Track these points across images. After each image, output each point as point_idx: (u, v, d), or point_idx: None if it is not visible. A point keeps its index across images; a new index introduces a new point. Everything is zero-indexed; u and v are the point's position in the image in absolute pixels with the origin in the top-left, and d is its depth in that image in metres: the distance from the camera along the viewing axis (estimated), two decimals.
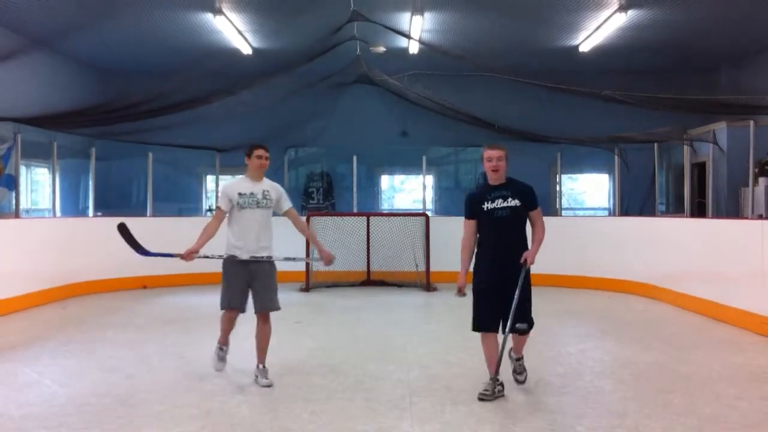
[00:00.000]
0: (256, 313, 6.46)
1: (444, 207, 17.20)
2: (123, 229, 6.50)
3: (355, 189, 15.33)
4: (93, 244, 12.52)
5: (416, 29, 12.86)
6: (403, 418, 5.34)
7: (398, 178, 18.74)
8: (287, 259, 6.89)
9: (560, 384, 6.35)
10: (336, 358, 7.30)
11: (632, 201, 14.92)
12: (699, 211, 14.04)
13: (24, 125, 12.00)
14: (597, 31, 12.98)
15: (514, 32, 13.55)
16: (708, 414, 5.47)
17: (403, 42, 13.82)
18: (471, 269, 6.05)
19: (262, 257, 6.37)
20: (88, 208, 14.95)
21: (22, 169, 12.84)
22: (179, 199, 16.75)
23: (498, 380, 5.85)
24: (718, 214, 13.03)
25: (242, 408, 5.64)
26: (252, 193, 6.44)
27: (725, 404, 5.74)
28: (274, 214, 6.64)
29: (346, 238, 13.21)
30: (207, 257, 6.45)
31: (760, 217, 11.74)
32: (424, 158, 15.31)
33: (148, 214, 14.30)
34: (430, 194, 16.78)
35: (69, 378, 6.76)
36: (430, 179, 16.86)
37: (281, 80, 14.22)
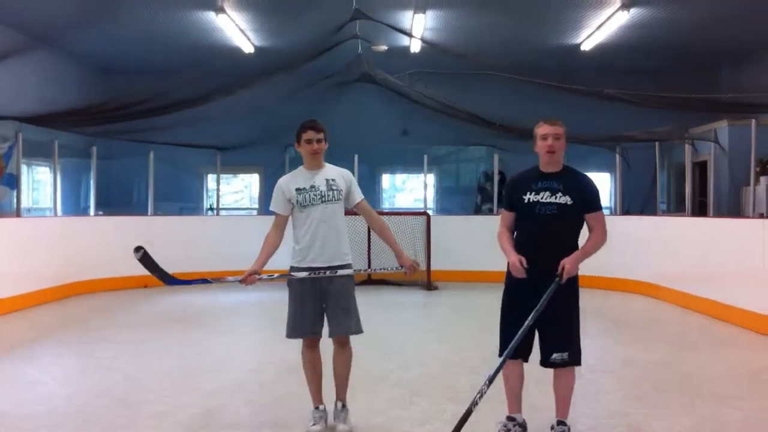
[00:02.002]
0: (330, 336, 5.15)
1: (445, 206, 17.21)
2: (143, 255, 4.95)
3: None
4: (94, 243, 12.53)
5: (418, 27, 12.85)
6: (403, 418, 5.34)
7: (399, 177, 18.75)
8: (362, 271, 5.52)
9: None
10: None
11: (634, 200, 14.91)
12: (700, 210, 14.04)
13: (25, 124, 12.00)
14: (599, 29, 12.97)
15: (516, 30, 13.53)
16: (708, 413, 5.47)
17: (405, 40, 13.82)
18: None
19: (335, 267, 5.06)
20: (89, 207, 14.94)
21: (24, 168, 12.82)
22: (180, 199, 16.76)
23: (516, 420, 4.83)
24: (720, 213, 13.02)
25: (243, 407, 5.64)
26: (313, 186, 5.09)
27: (725, 404, 5.73)
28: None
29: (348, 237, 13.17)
30: (272, 278, 5.34)
31: (761, 216, 11.74)
32: (425, 157, 15.29)
33: (149, 213, 14.30)
34: (431, 193, 16.78)
35: (69, 378, 6.78)
36: (431, 178, 16.86)
37: (283, 79, 14.23)
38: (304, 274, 5.01)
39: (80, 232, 12.56)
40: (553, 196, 4.60)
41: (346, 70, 14.71)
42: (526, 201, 4.65)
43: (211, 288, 12.47)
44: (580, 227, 4.74)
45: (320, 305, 5.07)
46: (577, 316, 4.74)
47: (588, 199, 4.67)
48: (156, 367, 7.13)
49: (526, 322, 4.48)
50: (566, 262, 4.52)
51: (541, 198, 4.61)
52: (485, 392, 4.51)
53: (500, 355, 4.73)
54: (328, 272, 5.01)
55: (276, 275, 5.31)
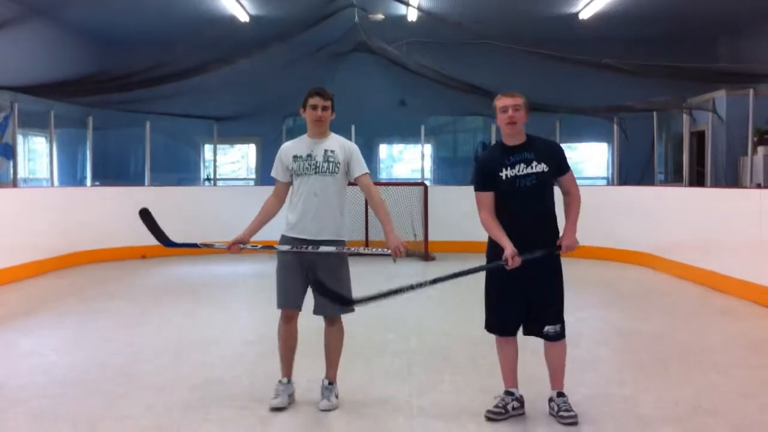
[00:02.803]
0: (314, 314, 4.98)
1: (442, 176, 17.16)
2: (146, 216, 5.15)
3: None
4: (91, 213, 12.51)
5: None
6: (401, 389, 5.35)
7: (396, 148, 18.67)
8: (354, 253, 5.23)
9: None
10: None
11: (631, 170, 14.88)
12: (698, 180, 14.02)
13: (21, 94, 11.92)
14: None
15: None
16: (705, 383, 5.49)
17: (401, 9, 13.70)
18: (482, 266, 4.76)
19: (319, 242, 4.86)
20: (85, 177, 14.90)
21: (20, 139, 12.76)
22: (177, 169, 16.69)
23: (514, 394, 4.76)
24: (717, 184, 13.01)
25: (241, 379, 5.64)
26: (310, 155, 4.92)
27: (722, 373, 5.76)
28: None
29: (344, 208, 13.16)
30: (255, 248, 5.17)
31: (759, 186, 11.72)
32: (422, 127, 15.22)
33: (146, 184, 14.27)
34: (428, 163, 16.74)
35: (68, 348, 6.77)
36: (428, 148, 16.80)
37: (279, 49, 14.11)
38: (287, 247, 4.89)
39: (77, 203, 12.53)
40: (529, 167, 4.60)
41: (342, 40, 14.57)
42: (504, 177, 4.62)
43: (210, 259, 12.49)
44: (553, 193, 4.74)
45: (305, 280, 4.90)
46: (563, 288, 4.76)
47: (559, 160, 4.72)
48: (155, 338, 7.15)
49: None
50: (563, 240, 4.61)
51: (518, 171, 4.60)
52: (425, 286, 4.65)
53: (487, 329, 4.81)
54: (311, 247, 4.84)
55: (260, 246, 5.20)
